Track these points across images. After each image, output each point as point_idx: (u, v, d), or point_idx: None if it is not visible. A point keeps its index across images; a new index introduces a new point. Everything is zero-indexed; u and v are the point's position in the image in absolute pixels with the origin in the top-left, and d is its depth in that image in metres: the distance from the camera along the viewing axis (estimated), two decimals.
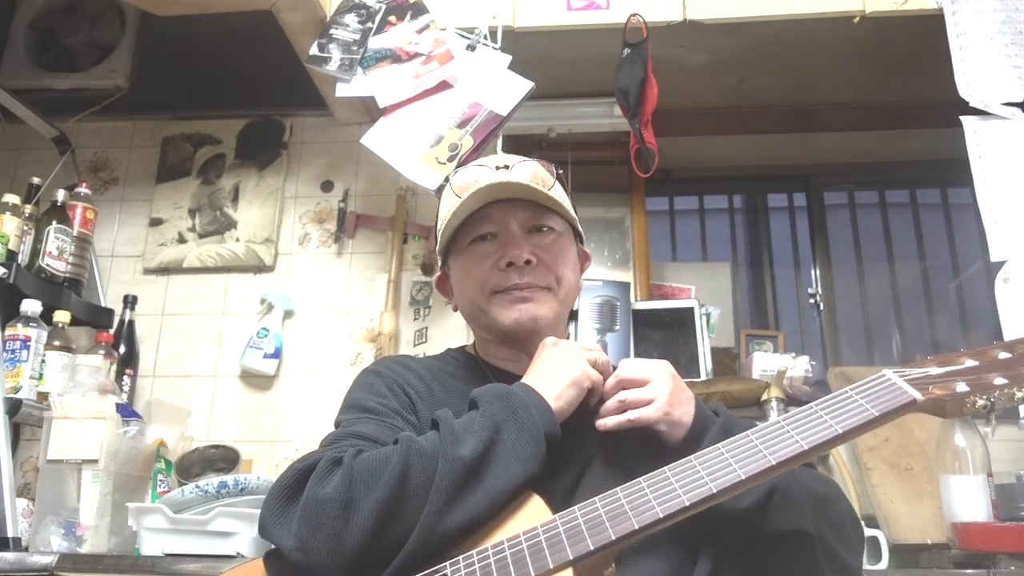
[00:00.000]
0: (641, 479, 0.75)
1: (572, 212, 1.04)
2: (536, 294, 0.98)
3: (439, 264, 1.10)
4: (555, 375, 0.89)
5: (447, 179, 1.05)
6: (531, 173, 1.01)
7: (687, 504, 0.71)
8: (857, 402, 0.73)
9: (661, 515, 0.71)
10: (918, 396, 0.72)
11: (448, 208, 1.02)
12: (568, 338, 1.08)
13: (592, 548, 0.70)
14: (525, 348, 0.99)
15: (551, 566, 0.70)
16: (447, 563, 0.75)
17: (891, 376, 0.75)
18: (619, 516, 0.72)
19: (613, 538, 0.70)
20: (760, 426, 0.75)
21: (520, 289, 0.97)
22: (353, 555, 0.74)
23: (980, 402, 0.71)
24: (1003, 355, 0.74)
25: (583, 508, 0.74)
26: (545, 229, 1.01)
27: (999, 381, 0.72)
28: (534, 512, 0.78)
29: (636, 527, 0.71)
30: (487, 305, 0.99)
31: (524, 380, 0.89)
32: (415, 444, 0.79)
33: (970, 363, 0.74)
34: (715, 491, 0.71)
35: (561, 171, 1.05)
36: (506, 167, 1.01)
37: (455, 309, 1.08)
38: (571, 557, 0.70)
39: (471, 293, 1.01)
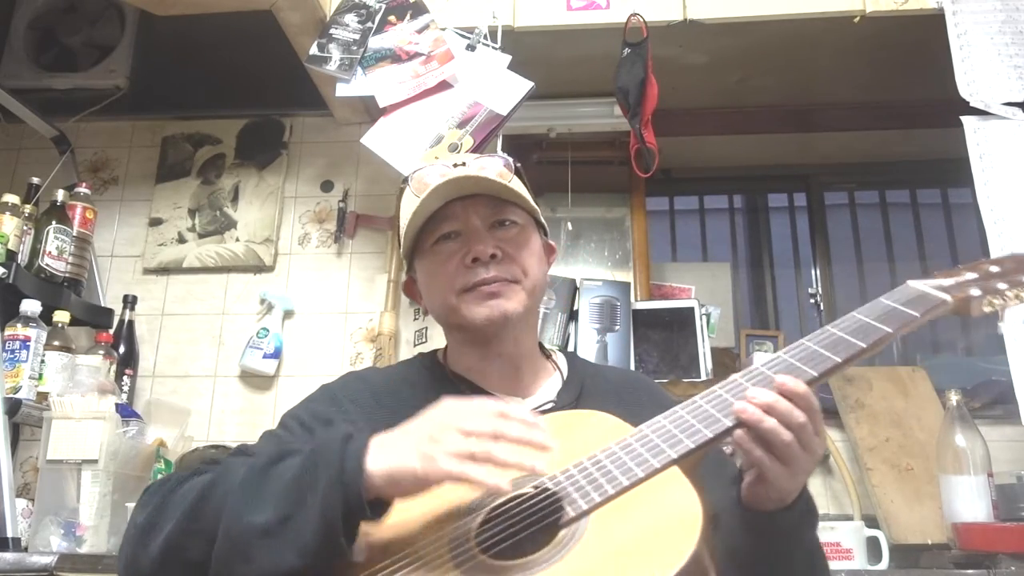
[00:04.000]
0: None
1: (533, 203, 1.03)
2: (504, 288, 0.96)
3: (405, 268, 1.08)
4: (408, 450, 0.71)
5: (405, 181, 1.03)
6: (489, 167, 1.00)
7: (693, 445, 0.73)
8: (895, 308, 0.79)
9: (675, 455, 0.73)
10: (948, 298, 0.79)
11: (408, 209, 1.00)
12: (538, 332, 1.08)
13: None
14: (496, 348, 0.99)
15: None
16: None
17: (918, 285, 0.82)
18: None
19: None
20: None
21: (488, 284, 0.95)
22: None
23: (997, 302, 0.80)
24: (993, 268, 0.83)
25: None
26: (507, 223, 1.00)
27: (1001, 286, 0.80)
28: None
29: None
30: (457, 303, 0.97)
31: (378, 437, 0.74)
32: (224, 475, 0.78)
33: (970, 275, 0.82)
34: (733, 423, 0.75)
35: (519, 164, 1.04)
36: (463, 164, 1.00)
37: (425, 313, 1.07)
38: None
39: (440, 294, 0.99)
